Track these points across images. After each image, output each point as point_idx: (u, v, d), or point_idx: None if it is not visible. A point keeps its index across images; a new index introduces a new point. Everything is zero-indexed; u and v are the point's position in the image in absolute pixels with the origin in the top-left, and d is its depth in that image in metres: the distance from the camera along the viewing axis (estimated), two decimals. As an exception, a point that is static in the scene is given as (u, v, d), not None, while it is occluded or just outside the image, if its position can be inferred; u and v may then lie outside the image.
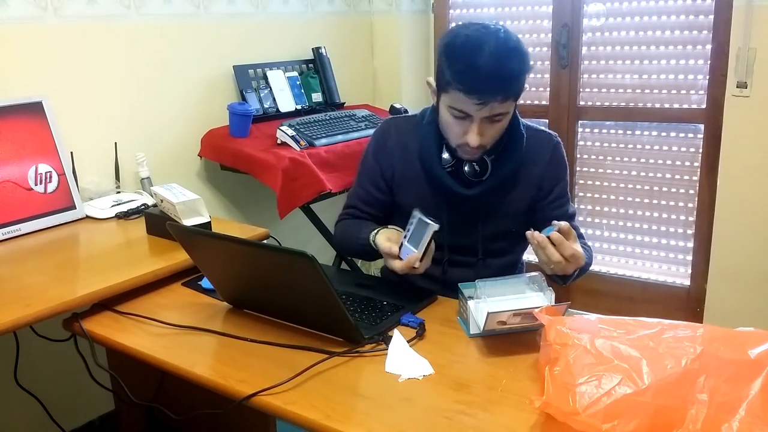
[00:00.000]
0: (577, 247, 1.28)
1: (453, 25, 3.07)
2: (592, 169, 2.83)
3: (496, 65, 1.30)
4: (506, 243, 1.57)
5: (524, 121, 1.51)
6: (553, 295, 1.23)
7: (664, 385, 0.88)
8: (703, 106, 2.54)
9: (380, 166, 1.56)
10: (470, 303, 1.22)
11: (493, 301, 1.21)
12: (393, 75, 3.07)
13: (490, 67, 1.30)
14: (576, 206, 2.76)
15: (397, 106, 2.66)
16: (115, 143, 2.11)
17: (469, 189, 1.47)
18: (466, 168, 1.45)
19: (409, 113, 2.61)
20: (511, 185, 1.50)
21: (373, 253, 1.47)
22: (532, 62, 1.37)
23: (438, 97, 1.42)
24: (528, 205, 1.53)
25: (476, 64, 1.30)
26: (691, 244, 2.69)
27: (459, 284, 1.28)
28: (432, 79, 1.45)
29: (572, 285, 3.07)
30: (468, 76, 1.31)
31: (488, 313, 1.14)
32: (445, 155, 1.46)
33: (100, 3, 2.04)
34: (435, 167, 1.47)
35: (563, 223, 1.27)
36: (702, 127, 2.57)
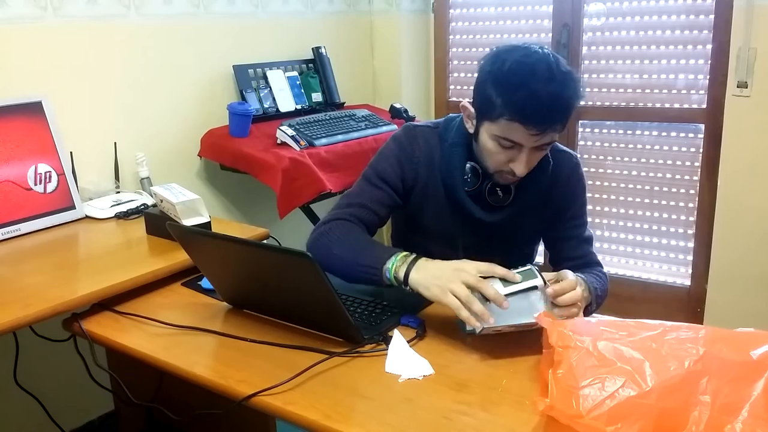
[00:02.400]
0: (574, 291, 1.21)
1: (454, 25, 3.07)
2: (592, 169, 2.83)
3: (556, 93, 1.22)
4: (518, 260, 1.55)
5: None
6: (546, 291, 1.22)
7: (668, 387, 0.88)
8: (704, 106, 2.54)
9: (403, 172, 1.45)
10: None
11: (489, 303, 1.20)
12: (393, 75, 3.06)
13: (550, 95, 1.21)
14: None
15: (397, 106, 2.66)
16: (115, 143, 2.11)
17: (491, 214, 1.42)
18: (488, 192, 1.40)
19: (413, 118, 2.62)
20: (532, 210, 1.46)
21: (370, 273, 1.29)
22: (581, 84, 1.29)
23: (478, 124, 1.34)
24: (545, 228, 1.52)
25: (535, 93, 1.21)
26: (691, 244, 2.69)
27: None
28: (468, 104, 1.36)
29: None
30: (528, 106, 1.22)
31: (483, 327, 1.13)
32: (468, 177, 1.40)
33: (99, 3, 2.04)
34: (458, 192, 1.41)
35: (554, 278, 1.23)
36: (702, 127, 2.57)
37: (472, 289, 1.15)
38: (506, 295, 1.15)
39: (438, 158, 1.45)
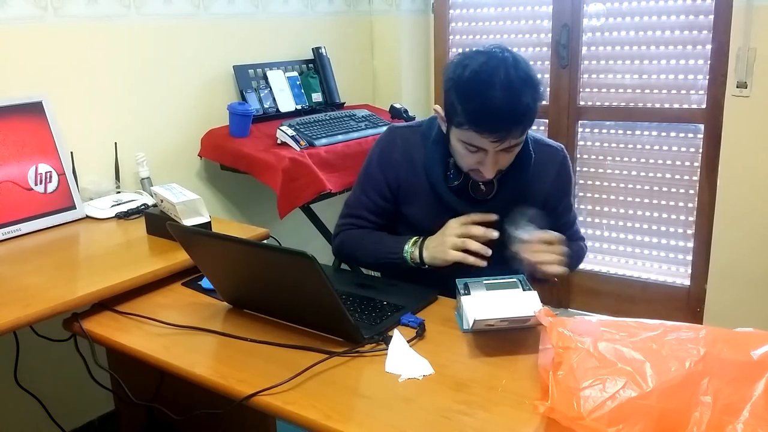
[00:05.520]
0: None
1: (454, 25, 3.07)
2: (592, 169, 2.83)
3: (510, 102, 1.25)
4: (510, 254, 1.58)
5: (532, 134, 1.48)
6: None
7: (669, 387, 0.88)
8: (703, 106, 2.54)
9: (386, 177, 1.53)
10: (463, 299, 1.22)
11: (484, 298, 1.21)
12: (393, 75, 3.06)
13: (504, 104, 1.24)
14: (577, 206, 2.76)
15: (397, 106, 2.65)
16: (115, 143, 2.11)
17: (474, 208, 1.45)
18: (471, 186, 1.44)
19: (413, 118, 2.62)
20: (517, 203, 1.47)
21: (395, 265, 1.48)
22: (542, 87, 1.32)
23: (448, 128, 1.39)
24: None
25: (490, 103, 1.24)
26: (691, 244, 2.69)
27: (456, 279, 1.29)
28: (440, 108, 1.40)
29: (572, 285, 3.07)
30: (483, 116, 1.26)
31: (474, 320, 1.15)
32: (451, 173, 1.45)
33: (100, 3, 2.04)
34: (440, 187, 1.46)
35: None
36: (702, 127, 2.57)
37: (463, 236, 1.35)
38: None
39: (421, 157, 1.50)
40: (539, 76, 1.33)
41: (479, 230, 1.36)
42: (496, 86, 1.25)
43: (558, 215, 1.57)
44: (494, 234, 1.34)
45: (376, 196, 1.55)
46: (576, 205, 1.74)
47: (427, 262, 1.43)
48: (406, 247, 1.45)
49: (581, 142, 2.85)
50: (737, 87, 2.33)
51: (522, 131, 1.31)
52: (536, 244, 1.33)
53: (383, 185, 1.54)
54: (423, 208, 1.51)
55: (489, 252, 1.32)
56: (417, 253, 1.44)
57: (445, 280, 1.51)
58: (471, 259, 1.35)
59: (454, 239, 1.37)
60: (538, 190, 1.50)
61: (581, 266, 1.68)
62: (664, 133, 2.67)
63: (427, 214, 1.51)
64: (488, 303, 1.19)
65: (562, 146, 1.55)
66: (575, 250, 1.57)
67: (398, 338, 1.18)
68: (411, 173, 1.51)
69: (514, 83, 1.25)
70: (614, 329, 0.99)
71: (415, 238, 1.46)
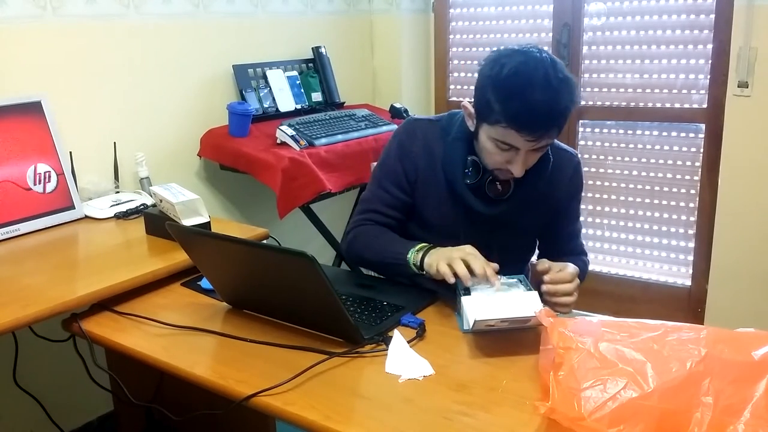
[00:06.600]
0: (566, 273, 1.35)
1: (454, 24, 3.07)
2: (593, 169, 2.82)
3: (550, 102, 1.25)
4: (519, 254, 1.58)
5: None
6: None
7: (670, 388, 0.88)
8: (704, 106, 2.54)
9: (404, 168, 1.50)
10: (463, 300, 1.22)
11: (484, 299, 1.21)
12: (393, 75, 3.06)
13: (544, 105, 1.25)
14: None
15: (397, 105, 2.65)
16: (114, 143, 2.10)
17: (491, 207, 1.45)
18: (488, 186, 1.44)
19: (420, 115, 2.61)
20: (531, 205, 1.49)
21: (398, 268, 1.41)
22: (578, 89, 1.32)
23: (478, 125, 1.38)
24: (544, 223, 1.55)
25: (530, 102, 1.24)
26: (692, 244, 2.68)
27: (456, 279, 1.28)
28: (469, 104, 1.39)
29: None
30: (522, 115, 1.26)
31: (475, 321, 1.14)
32: (469, 171, 1.44)
33: (99, 2, 2.04)
34: (458, 185, 1.45)
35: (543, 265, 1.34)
36: (703, 126, 2.56)
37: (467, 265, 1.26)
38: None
39: (439, 152, 1.49)
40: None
41: (480, 269, 1.25)
42: (536, 86, 1.25)
43: (566, 222, 1.57)
44: (492, 279, 1.25)
45: (393, 188, 1.51)
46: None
47: (425, 267, 1.35)
48: (412, 251, 1.38)
49: (582, 142, 2.84)
50: (738, 86, 2.32)
51: (558, 132, 1.32)
52: (558, 281, 1.31)
53: (401, 176, 1.50)
54: (437, 203, 1.50)
55: (467, 282, 1.25)
56: (420, 256, 1.36)
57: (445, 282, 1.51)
58: (451, 280, 1.26)
59: (457, 259, 1.27)
60: (552, 192, 1.50)
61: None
62: (665, 133, 2.66)
63: (439, 209, 1.50)
64: (489, 303, 1.19)
65: (576, 152, 1.56)
66: (581, 267, 1.51)
67: (398, 339, 1.18)
68: (429, 167, 1.49)
69: (554, 84, 1.26)
70: (615, 330, 0.99)
71: (423, 244, 1.39)
